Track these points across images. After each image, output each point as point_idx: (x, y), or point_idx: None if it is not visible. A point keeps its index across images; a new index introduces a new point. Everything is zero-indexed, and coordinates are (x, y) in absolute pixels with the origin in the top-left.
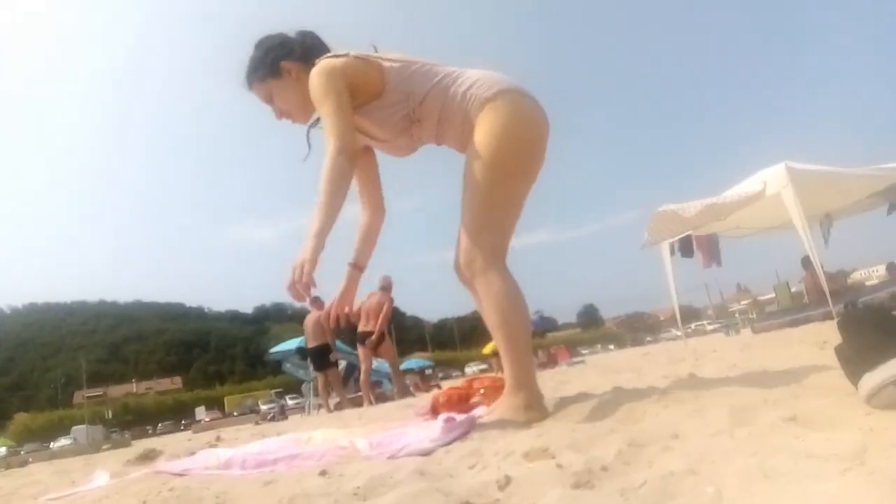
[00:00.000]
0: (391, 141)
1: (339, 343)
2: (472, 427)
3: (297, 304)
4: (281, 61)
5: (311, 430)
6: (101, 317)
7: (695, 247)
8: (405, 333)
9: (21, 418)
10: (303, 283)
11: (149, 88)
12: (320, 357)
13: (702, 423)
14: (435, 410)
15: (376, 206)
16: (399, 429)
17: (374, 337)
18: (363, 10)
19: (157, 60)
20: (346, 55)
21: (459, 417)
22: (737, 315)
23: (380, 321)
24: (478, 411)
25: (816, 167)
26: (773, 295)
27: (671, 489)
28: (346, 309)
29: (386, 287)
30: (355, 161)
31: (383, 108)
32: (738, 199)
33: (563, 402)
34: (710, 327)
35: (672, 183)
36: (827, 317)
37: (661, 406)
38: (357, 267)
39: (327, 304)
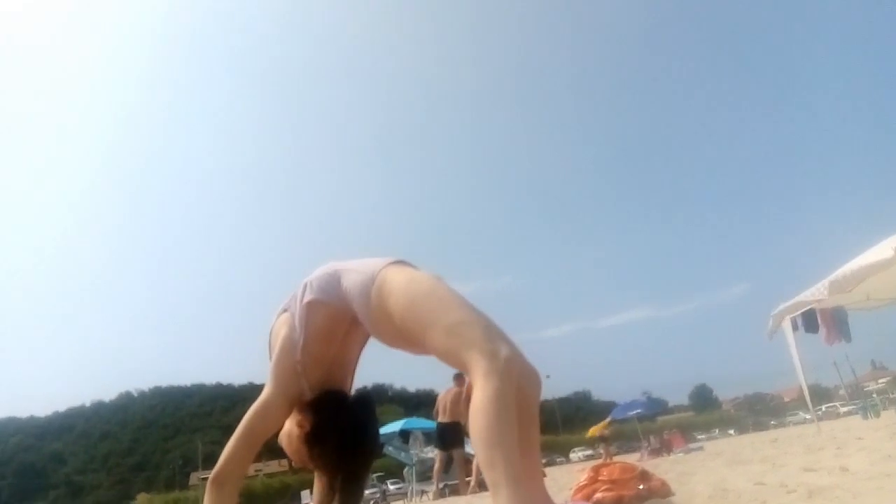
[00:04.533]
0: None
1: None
2: None
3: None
4: None
5: None
6: (217, 399)
7: (819, 321)
8: None
9: (142, 499)
10: None
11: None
12: (453, 434)
13: None
14: None
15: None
16: None
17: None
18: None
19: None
20: None
21: None
22: (874, 395)
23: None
24: None
25: None
26: None
27: None
28: None
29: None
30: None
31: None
32: (864, 267)
33: (696, 499)
34: (843, 409)
35: (781, 252)
36: None
37: None
38: None
39: None
